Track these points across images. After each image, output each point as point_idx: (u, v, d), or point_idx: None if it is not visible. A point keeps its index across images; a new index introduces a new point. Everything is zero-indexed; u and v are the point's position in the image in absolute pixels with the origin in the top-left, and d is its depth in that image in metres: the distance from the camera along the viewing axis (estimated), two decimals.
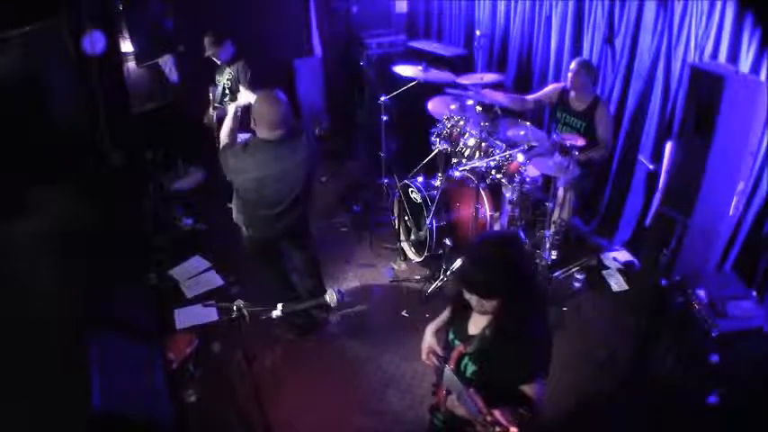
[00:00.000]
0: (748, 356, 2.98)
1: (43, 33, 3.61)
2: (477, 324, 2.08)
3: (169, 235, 4.73)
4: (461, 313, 2.13)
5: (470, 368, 2.04)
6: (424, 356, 2.27)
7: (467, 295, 1.96)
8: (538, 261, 4.16)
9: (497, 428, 1.87)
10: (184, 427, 3.16)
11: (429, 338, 2.28)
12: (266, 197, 3.22)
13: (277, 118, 3.05)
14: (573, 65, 4.14)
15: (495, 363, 1.98)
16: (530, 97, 4.49)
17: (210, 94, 4.71)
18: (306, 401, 3.33)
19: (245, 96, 3.47)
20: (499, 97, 4.29)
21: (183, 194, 5.32)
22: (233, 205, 3.45)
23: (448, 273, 4.16)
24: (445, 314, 2.32)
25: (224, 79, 4.63)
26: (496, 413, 1.86)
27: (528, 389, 1.96)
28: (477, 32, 5.27)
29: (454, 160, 4.31)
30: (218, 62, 4.63)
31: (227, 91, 4.65)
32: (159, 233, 4.67)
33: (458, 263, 4.20)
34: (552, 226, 4.15)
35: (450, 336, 2.16)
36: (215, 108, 4.60)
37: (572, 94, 4.24)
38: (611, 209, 4.70)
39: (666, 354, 3.27)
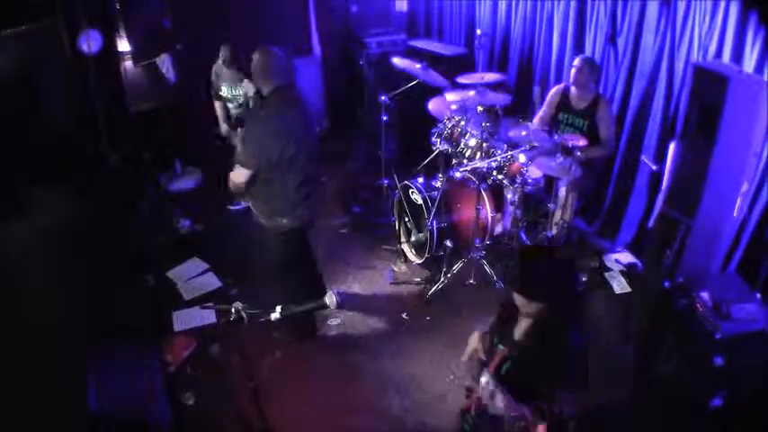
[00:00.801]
0: (752, 359, 2.95)
1: (40, 33, 3.58)
2: (521, 328, 2.14)
3: (167, 236, 4.69)
4: (509, 319, 2.20)
5: (504, 368, 2.11)
6: (464, 358, 2.34)
7: (515, 296, 2.05)
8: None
9: (521, 423, 1.97)
10: (182, 429, 3.13)
11: (475, 342, 2.33)
12: (293, 158, 3.09)
13: (274, 66, 3.07)
14: (576, 61, 4.12)
15: (528, 364, 2.05)
16: (542, 113, 4.45)
17: (218, 109, 4.67)
18: (305, 404, 3.31)
19: None
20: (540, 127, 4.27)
21: (181, 195, 5.29)
22: (260, 206, 3.30)
23: (449, 275, 4.12)
24: (492, 319, 2.38)
25: (241, 95, 4.55)
26: (524, 408, 1.96)
27: (561, 396, 2.02)
28: (478, 31, 5.25)
29: (455, 161, 4.27)
30: (239, 75, 4.57)
31: (244, 109, 4.60)
32: (157, 234, 4.64)
33: (459, 264, 4.18)
34: (554, 227, 4.13)
35: (495, 340, 2.22)
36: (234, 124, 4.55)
37: (573, 91, 4.21)
38: (613, 210, 4.67)
39: (669, 356, 3.24)
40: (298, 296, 3.24)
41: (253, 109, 3.15)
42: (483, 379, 2.09)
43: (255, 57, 3.12)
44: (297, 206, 3.27)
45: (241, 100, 4.58)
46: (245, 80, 4.55)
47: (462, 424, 2.34)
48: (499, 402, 1.99)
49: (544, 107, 4.46)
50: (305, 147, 3.16)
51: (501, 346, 2.16)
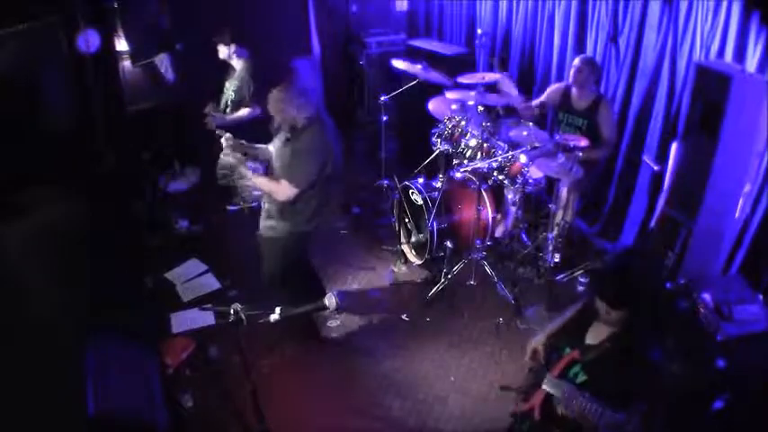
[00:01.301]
0: (755, 361, 2.94)
1: (38, 32, 3.56)
2: (597, 334, 2.09)
3: (165, 237, 4.67)
4: (580, 322, 2.16)
5: (581, 377, 2.06)
6: (527, 357, 2.30)
7: (597, 303, 2.00)
8: (541, 264, 4.11)
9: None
10: None
11: (542, 340, 2.29)
12: (328, 175, 3.24)
13: (301, 96, 3.10)
14: (576, 61, 4.09)
15: (609, 376, 2.00)
16: (534, 103, 4.44)
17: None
18: (304, 406, 3.28)
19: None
20: (514, 94, 4.26)
21: (180, 196, 5.26)
22: (280, 210, 3.29)
23: (449, 276, 4.10)
24: (560, 321, 2.35)
25: (231, 88, 4.57)
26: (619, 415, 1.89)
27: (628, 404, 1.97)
28: (479, 31, 5.22)
29: (455, 161, 4.25)
30: (235, 60, 4.57)
31: (228, 102, 4.59)
32: (155, 235, 4.61)
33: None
34: (555, 228, 4.11)
35: (563, 343, 2.18)
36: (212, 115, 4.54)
37: (574, 91, 4.18)
38: (615, 211, 4.64)
39: (671, 358, 3.21)
40: (305, 298, 3.34)
41: (291, 136, 3.20)
42: (549, 381, 2.06)
43: (277, 95, 3.10)
44: (318, 213, 3.35)
45: (226, 94, 4.59)
46: (236, 71, 4.57)
47: (515, 425, 2.32)
48: (587, 406, 1.95)
49: (541, 98, 4.43)
50: (336, 164, 3.27)
51: (568, 350, 2.12)
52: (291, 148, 3.19)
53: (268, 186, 3.25)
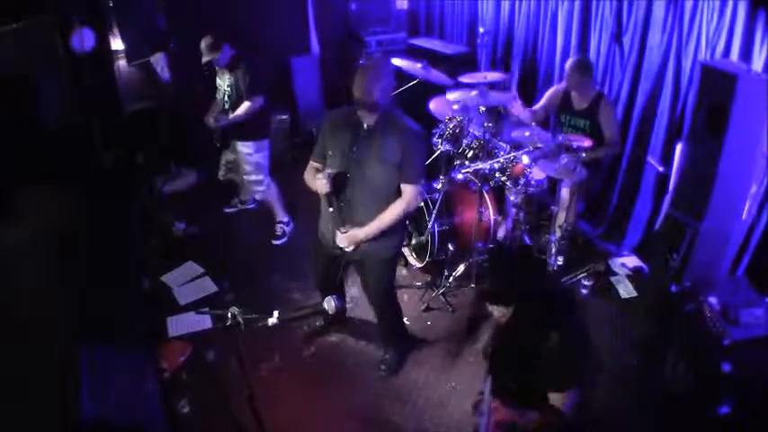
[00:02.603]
0: (761, 365, 2.90)
1: (32, 31, 3.53)
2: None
3: (161, 239, 4.62)
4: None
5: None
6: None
7: (489, 308, 2.08)
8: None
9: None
10: None
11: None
12: None
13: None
14: (567, 64, 4.04)
15: (518, 368, 2.05)
16: (536, 107, 4.38)
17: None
18: (303, 410, 3.25)
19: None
20: (525, 114, 4.24)
21: (176, 197, 5.21)
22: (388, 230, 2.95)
23: (450, 279, 4.05)
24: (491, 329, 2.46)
25: (224, 85, 4.42)
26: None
27: (555, 397, 2.00)
28: (481, 30, 5.18)
29: (457, 162, 4.20)
30: (218, 67, 4.40)
31: (226, 98, 4.38)
32: (151, 237, 4.56)
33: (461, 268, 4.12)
34: (558, 230, 4.06)
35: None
36: (217, 117, 4.38)
37: (573, 93, 4.14)
38: (619, 213, 4.59)
39: (676, 362, 3.18)
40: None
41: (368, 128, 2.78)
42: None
43: (373, 70, 2.67)
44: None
45: (221, 91, 4.44)
46: (228, 73, 4.34)
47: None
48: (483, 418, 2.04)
49: (542, 103, 4.37)
50: None
51: None
52: (397, 143, 2.75)
53: (391, 215, 2.85)
